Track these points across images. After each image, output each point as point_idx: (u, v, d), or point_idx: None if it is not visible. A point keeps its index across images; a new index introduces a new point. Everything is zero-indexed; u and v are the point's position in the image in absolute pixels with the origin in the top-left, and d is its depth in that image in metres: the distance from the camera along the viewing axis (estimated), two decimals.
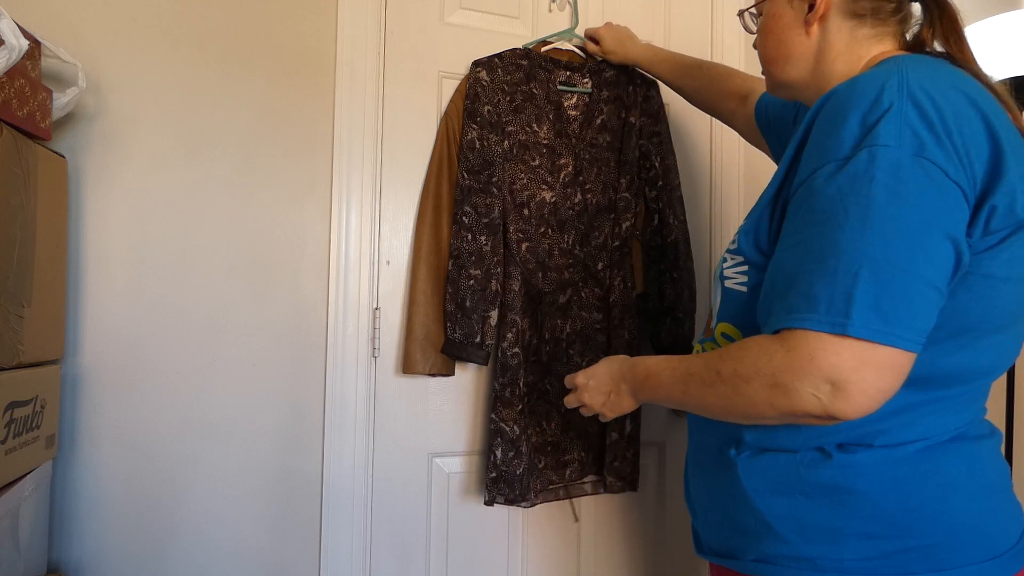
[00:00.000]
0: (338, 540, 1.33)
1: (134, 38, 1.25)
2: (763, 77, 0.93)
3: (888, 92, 0.65)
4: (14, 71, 0.96)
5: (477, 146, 1.34)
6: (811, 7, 0.81)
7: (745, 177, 1.66)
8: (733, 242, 0.81)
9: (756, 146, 1.21)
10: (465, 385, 1.43)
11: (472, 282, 1.32)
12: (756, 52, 0.91)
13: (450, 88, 1.41)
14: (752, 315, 0.76)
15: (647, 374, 0.86)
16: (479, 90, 1.36)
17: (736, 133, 1.52)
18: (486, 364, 1.36)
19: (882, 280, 0.62)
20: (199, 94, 1.28)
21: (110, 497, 1.21)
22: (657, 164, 1.46)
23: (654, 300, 1.47)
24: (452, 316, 1.32)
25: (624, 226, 1.44)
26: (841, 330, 0.62)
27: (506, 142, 1.37)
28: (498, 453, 1.31)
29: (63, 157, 1.15)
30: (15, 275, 0.98)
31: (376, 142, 1.38)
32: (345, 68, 1.36)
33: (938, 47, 0.79)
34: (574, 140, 1.41)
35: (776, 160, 1.13)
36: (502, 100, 1.37)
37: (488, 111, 1.35)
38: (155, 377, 1.24)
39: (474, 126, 1.35)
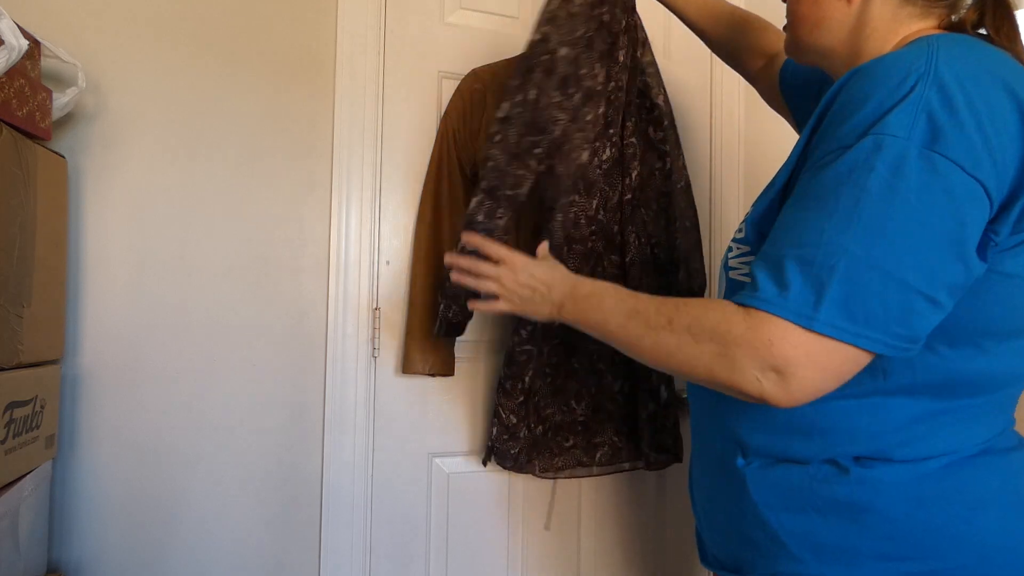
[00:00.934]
0: (338, 540, 1.33)
1: (134, 38, 1.25)
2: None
3: (914, 74, 0.60)
4: (14, 71, 0.96)
5: (531, 97, 1.14)
6: None
7: (745, 175, 1.66)
8: (740, 231, 0.76)
9: (777, 110, 1.13)
10: (465, 385, 1.42)
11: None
12: (784, 7, 0.83)
13: (450, 88, 1.41)
14: None
15: (590, 292, 0.82)
16: (570, 12, 1.13)
17: (734, 130, 1.51)
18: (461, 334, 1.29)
19: (857, 279, 0.59)
20: (199, 94, 1.28)
21: (110, 497, 1.21)
22: (660, 102, 1.32)
23: (665, 251, 1.35)
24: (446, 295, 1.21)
25: (633, 175, 1.28)
26: (807, 323, 0.60)
27: (577, 95, 1.16)
28: (494, 431, 1.29)
29: (63, 157, 1.15)
30: (15, 275, 0.98)
31: (376, 142, 1.38)
32: (345, 68, 1.36)
33: (982, 32, 0.73)
34: (607, 81, 1.22)
35: (798, 129, 1.05)
36: (580, 36, 1.15)
37: (564, 54, 1.13)
38: (155, 377, 1.24)
39: (536, 68, 1.14)
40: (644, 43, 1.31)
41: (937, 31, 0.71)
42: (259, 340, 1.30)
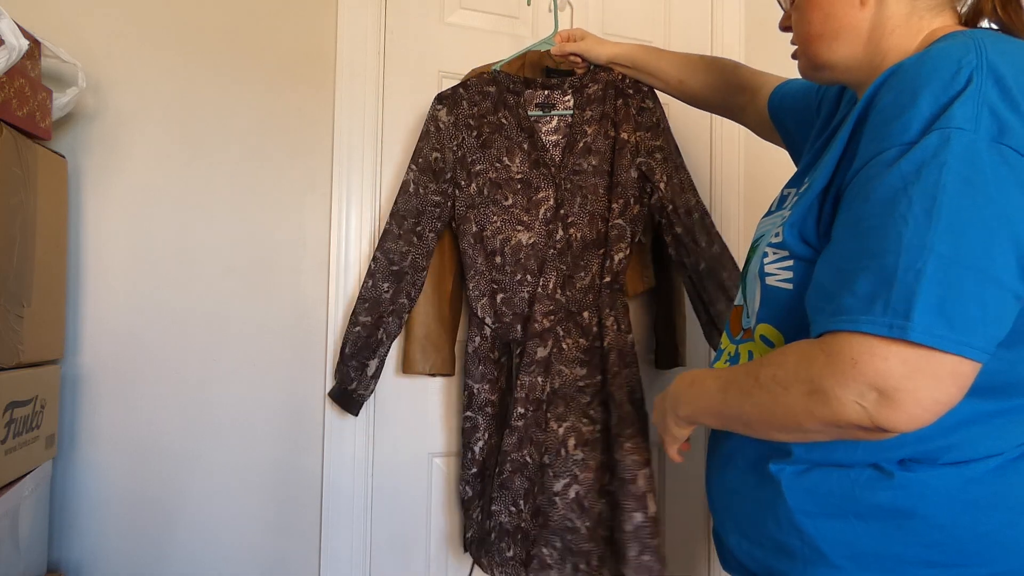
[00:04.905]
0: (338, 540, 1.33)
1: (134, 38, 1.25)
2: (765, 71, 0.86)
3: (966, 68, 0.58)
4: (14, 71, 0.96)
5: (411, 189, 1.26)
6: None
7: (746, 176, 1.66)
8: (776, 235, 0.73)
9: (769, 140, 1.15)
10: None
11: (358, 328, 1.25)
12: (787, 33, 0.83)
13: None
14: (798, 315, 0.68)
15: (691, 381, 0.78)
16: (432, 130, 1.27)
17: (733, 133, 1.51)
18: (356, 415, 1.30)
19: (950, 279, 0.55)
20: (199, 94, 1.28)
21: (110, 497, 1.21)
22: (662, 186, 1.28)
23: (704, 320, 1.32)
24: (339, 358, 1.27)
25: (617, 259, 1.26)
26: (901, 334, 0.55)
27: (473, 184, 1.27)
28: (459, 503, 1.32)
29: (63, 157, 1.15)
30: (15, 275, 0.98)
31: (376, 142, 1.38)
32: (345, 68, 1.36)
33: (991, 24, 0.72)
34: (554, 169, 1.27)
35: (794, 154, 1.06)
36: (467, 137, 1.27)
37: (436, 158, 1.26)
38: (155, 377, 1.24)
39: (414, 168, 1.27)
40: (652, 126, 1.30)
41: (959, 27, 0.71)
42: (259, 340, 1.30)
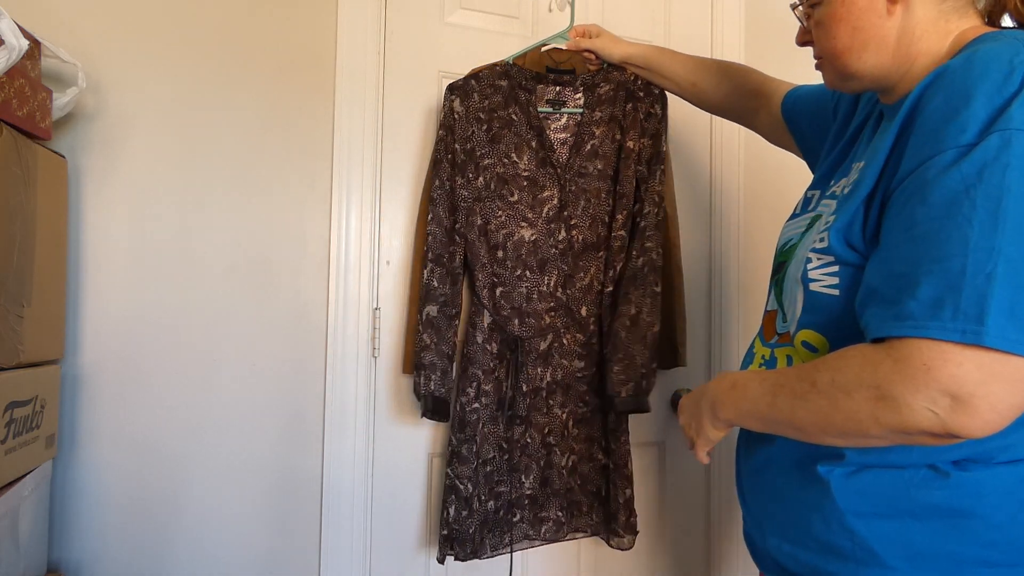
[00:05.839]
0: (338, 540, 1.33)
1: (134, 38, 1.25)
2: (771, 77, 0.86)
3: (1019, 69, 0.58)
4: (14, 71, 0.96)
5: (447, 187, 1.28)
6: None
7: (746, 176, 1.65)
8: (821, 240, 0.73)
9: (780, 145, 1.15)
10: None
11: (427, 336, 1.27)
12: (807, 47, 0.83)
13: None
14: (844, 321, 0.69)
15: (732, 384, 0.78)
16: (453, 123, 1.28)
17: (733, 133, 1.51)
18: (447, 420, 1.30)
19: (1020, 282, 0.55)
20: (199, 94, 1.28)
21: (110, 497, 1.21)
22: (656, 195, 1.33)
23: (666, 338, 1.40)
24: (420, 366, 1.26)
25: (618, 268, 1.32)
26: (975, 339, 0.55)
27: (481, 178, 1.28)
28: (451, 511, 1.26)
29: (63, 157, 1.15)
30: (15, 275, 0.98)
31: (376, 142, 1.38)
32: (345, 68, 1.36)
33: (1013, 21, 0.74)
34: (560, 169, 1.31)
35: (808, 157, 1.07)
36: (477, 131, 1.28)
37: (457, 149, 1.27)
38: (155, 377, 1.24)
39: (446, 166, 1.28)
40: (655, 133, 1.33)
41: (987, 27, 0.72)
42: (259, 340, 1.30)
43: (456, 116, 1.28)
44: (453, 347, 1.29)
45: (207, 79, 1.29)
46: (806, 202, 0.88)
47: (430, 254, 1.28)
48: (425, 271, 1.28)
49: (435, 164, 1.30)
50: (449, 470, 1.29)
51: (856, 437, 0.63)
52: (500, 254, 1.29)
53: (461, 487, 1.27)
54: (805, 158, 1.08)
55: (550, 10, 1.52)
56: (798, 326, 0.76)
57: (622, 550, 1.34)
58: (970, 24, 0.72)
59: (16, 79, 0.97)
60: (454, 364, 1.30)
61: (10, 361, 0.96)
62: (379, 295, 1.38)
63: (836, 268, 0.71)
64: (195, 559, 1.26)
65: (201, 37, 1.29)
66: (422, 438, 1.40)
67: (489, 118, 1.29)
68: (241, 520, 1.29)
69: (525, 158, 1.30)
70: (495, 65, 1.32)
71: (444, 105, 1.30)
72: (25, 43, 0.92)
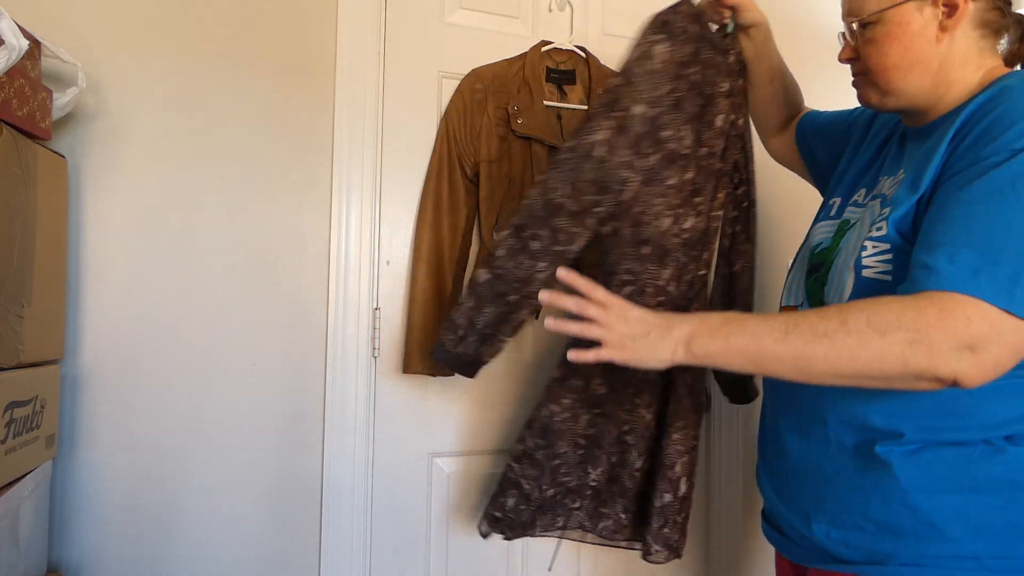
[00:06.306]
0: (338, 540, 1.33)
1: (134, 38, 1.25)
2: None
3: None
4: (14, 71, 0.96)
5: (597, 154, 1.03)
6: (950, 13, 0.81)
7: None
8: (878, 228, 0.80)
9: (781, 161, 1.23)
10: (465, 385, 1.42)
11: (503, 308, 1.09)
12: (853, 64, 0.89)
13: (450, 88, 1.41)
14: None
15: (723, 319, 0.78)
16: (649, 69, 1.00)
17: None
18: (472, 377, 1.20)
19: None
20: (199, 94, 1.28)
21: (110, 497, 1.21)
22: (747, 174, 1.19)
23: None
24: (456, 328, 1.13)
25: (712, 251, 1.18)
26: (1005, 304, 0.65)
27: (654, 156, 1.04)
28: (509, 502, 1.19)
29: (63, 157, 1.15)
30: (15, 275, 0.98)
31: (376, 142, 1.38)
32: (345, 68, 1.36)
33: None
34: (695, 147, 1.12)
35: (815, 174, 1.15)
36: (664, 95, 1.02)
37: (639, 114, 1.01)
38: (155, 377, 1.24)
39: (604, 125, 1.02)
40: (747, 113, 1.19)
41: (1008, 69, 0.85)
42: (259, 340, 1.30)
43: (659, 63, 1.01)
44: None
45: (207, 79, 1.29)
46: (828, 208, 0.98)
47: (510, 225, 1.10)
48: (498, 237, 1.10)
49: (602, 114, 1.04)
50: (516, 465, 1.19)
51: (869, 378, 0.70)
52: (645, 251, 1.08)
53: (526, 486, 1.19)
54: (812, 175, 1.17)
55: (550, 10, 1.52)
56: None
57: (651, 562, 1.20)
58: (995, 63, 0.84)
59: (16, 79, 0.97)
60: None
61: (10, 361, 0.96)
62: (379, 295, 1.38)
63: (890, 256, 0.78)
64: (195, 558, 1.26)
65: (201, 37, 1.29)
66: (422, 438, 1.40)
67: (678, 75, 1.04)
68: (241, 520, 1.29)
69: (691, 133, 1.08)
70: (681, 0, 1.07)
71: (643, 42, 1.03)
72: (25, 43, 0.92)
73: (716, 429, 1.59)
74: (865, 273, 0.79)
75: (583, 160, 1.03)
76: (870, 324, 0.68)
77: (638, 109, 1.02)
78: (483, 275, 1.09)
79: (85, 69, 1.14)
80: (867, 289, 0.79)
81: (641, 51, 1.03)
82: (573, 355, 0.84)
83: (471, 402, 1.43)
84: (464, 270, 1.39)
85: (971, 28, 0.82)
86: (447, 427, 1.41)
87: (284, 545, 1.31)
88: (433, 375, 1.35)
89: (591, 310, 0.82)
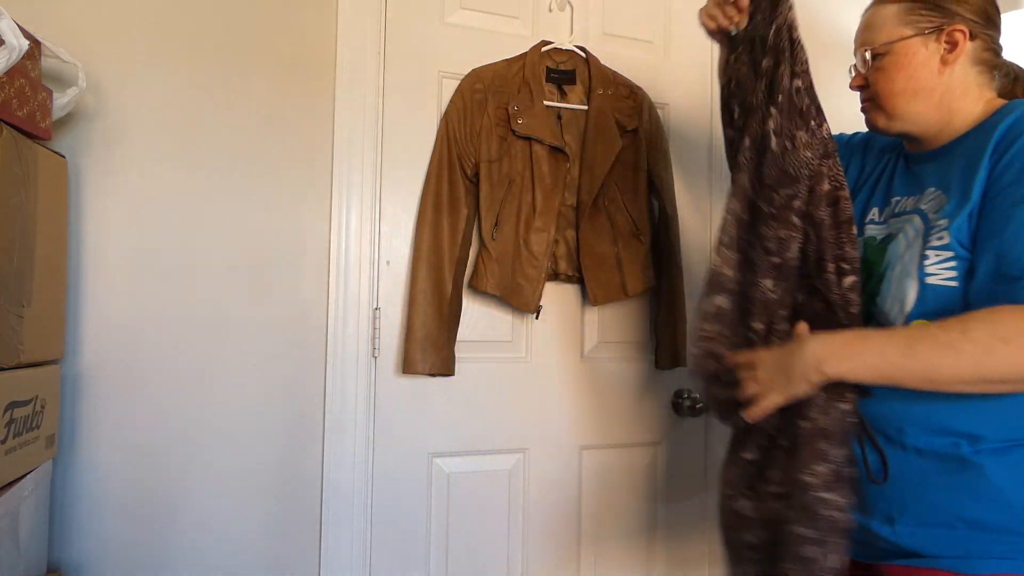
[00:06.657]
0: (338, 540, 1.33)
1: (134, 38, 1.25)
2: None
3: None
4: (14, 71, 0.96)
5: (772, 145, 0.94)
6: (951, 49, 0.91)
7: None
8: (939, 238, 0.86)
9: None
10: (465, 385, 1.42)
11: (750, 335, 0.96)
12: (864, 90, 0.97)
13: (450, 88, 1.41)
14: (958, 306, 0.83)
15: (848, 339, 0.86)
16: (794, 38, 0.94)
17: None
18: None
19: None
20: (199, 94, 1.28)
21: (110, 497, 1.21)
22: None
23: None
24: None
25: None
26: None
27: (826, 125, 0.97)
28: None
29: (63, 157, 1.15)
30: (15, 275, 0.98)
31: (376, 142, 1.38)
32: (345, 68, 1.36)
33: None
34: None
35: None
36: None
37: (799, 87, 0.95)
38: (155, 377, 1.24)
39: (773, 110, 0.94)
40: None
41: (1004, 101, 0.92)
42: (259, 340, 1.30)
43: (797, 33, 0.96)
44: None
45: (207, 79, 1.29)
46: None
47: (724, 237, 0.98)
48: (718, 256, 0.98)
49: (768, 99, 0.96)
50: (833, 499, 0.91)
51: (991, 383, 0.78)
52: (847, 233, 0.95)
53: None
54: None
55: (550, 10, 1.52)
56: (910, 317, 0.88)
57: None
58: (993, 96, 0.93)
59: (16, 79, 0.97)
60: None
61: (10, 361, 0.96)
62: (379, 295, 1.38)
63: (954, 263, 0.85)
64: (195, 559, 1.26)
65: (201, 37, 1.29)
66: (422, 438, 1.40)
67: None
68: (241, 520, 1.29)
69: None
70: None
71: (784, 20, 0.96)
72: (25, 43, 0.92)
73: (717, 429, 1.59)
74: (929, 280, 0.86)
75: (760, 151, 0.97)
76: (994, 334, 0.76)
77: (797, 83, 0.95)
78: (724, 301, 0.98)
79: (85, 69, 1.14)
80: (932, 295, 0.85)
81: (777, 24, 0.96)
82: (746, 414, 0.93)
83: (471, 402, 1.43)
84: (464, 270, 1.39)
85: (969, 64, 0.92)
86: (447, 427, 1.41)
87: (284, 545, 1.31)
88: (433, 375, 1.36)
89: (744, 379, 0.94)
